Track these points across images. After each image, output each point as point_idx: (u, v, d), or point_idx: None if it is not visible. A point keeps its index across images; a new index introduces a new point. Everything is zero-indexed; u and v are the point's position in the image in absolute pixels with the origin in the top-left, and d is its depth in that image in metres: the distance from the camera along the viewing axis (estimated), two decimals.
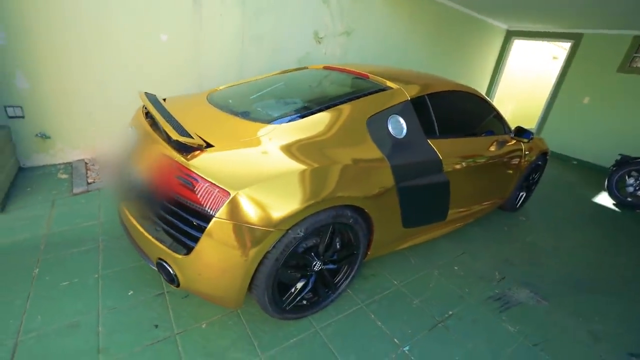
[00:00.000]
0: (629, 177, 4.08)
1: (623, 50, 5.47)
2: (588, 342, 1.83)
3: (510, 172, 2.84)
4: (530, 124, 7.25)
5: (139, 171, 1.55)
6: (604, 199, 4.29)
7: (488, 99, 2.69)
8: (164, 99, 2.02)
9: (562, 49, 8.60)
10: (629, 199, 4.06)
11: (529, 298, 2.12)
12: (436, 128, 2.12)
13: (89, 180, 2.70)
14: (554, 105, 6.43)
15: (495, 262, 2.46)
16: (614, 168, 4.18)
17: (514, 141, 2.73)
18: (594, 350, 1.78)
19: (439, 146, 2.05)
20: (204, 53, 3.43)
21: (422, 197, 1.99)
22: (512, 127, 2.81)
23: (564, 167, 5.80)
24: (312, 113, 1.70)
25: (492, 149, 2.53)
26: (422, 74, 2.56)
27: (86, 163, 3.00)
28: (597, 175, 5.33)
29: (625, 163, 4.10)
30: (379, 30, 4.84)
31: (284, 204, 1.32)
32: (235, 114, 1.77)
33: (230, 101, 2.01)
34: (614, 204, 4.17)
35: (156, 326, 1.56)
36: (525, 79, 8.50)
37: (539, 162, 3.18)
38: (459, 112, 2.50)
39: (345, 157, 1.59)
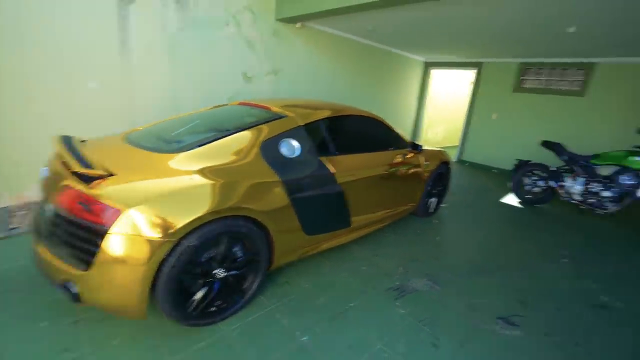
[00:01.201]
0: (526, 177, 4.75)
1: (514, 74, 6.50)
2: (465, 313, 2.16)
3: (413, 181, 3.28)
4: (457, 142, 8.10)
5: (51, 205, 1.72)
6: (511, 199, 4.91)
7: (386, 121, 3.14)
8: (83, 141, 2.21)
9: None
10: (528, 196, 4.71)
11: (425, 286, 2.44)
12: (330, 147, 2.49)
13: (11, 227, 2.73)
14: (471, 123, 7.31)
15: (402, 260, 2.79)
16: (514, 172, 4.86)
17: (410, 154, 3.19)
18: (469, 318, 2.11)
19: (333, 162, 2.41)
20: (138, 97, 3.67)
21: (318, 206, 2.29)
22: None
23: (486, 175, 6.53)
24: (212, 141, 1.99)
25: (390, 161, 2.95)
26: (325, 104, 2.98)
27: (10, 210, 3.00)
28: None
29: (521, 166, 4.78)
30: (305, 68, 5.40)
31: (174, 217, 1.55)
32: (146, 148, 2.01)
33: (144, 138, 2.24)
34: (519, 202, 4.79)
35: (66, 350, 1.65)
36: (452, 102, 9.57)
37: (441, 171, 3.68)
38: (356, 132, 2.92)
39: (236, 174, 1.86)
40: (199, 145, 1.94)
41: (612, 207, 4.04)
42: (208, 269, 1.79)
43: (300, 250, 2.32)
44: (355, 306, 2.13)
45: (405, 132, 8.30)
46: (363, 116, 2.94)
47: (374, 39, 6.14)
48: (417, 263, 2.77)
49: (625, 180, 3.93)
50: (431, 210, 3.77)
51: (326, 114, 2.59)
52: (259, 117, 2.40)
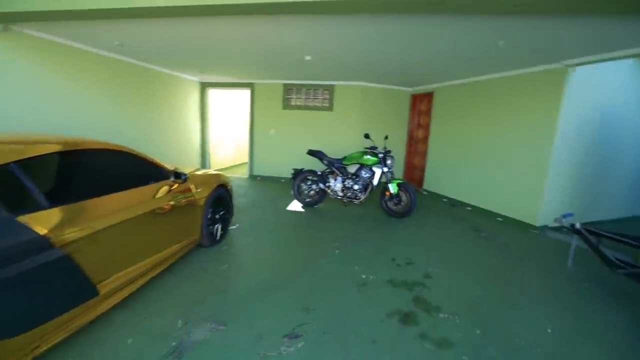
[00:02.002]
0: (303, 184, 5.39)
1: (281, 94, 7.35)
2: (252, 345, 2.02)
3: (186, 212, 2.93)
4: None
5: None
6: (295, 205, 5.45)
7: (137, 152, 2.62)
8: None
9: None
10: (308, 200, 5.37)
11: (208, 331, 2.15)
12: (40, 198, 1.77)
13: None
14: (254, 139, 7.73)
15: (183, 308, 2.39)
16: (293, 180, 5.41)
17: (175, 184, 2.83)
18: (256, 350, 1.97)
19: (47, 219, 1.73)
20: None
21: (21, 292, 1.56)
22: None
23: (276, 186, 7.03)
24: None
25: (146, 198, 2.48)
26: (40, 137, 2.16)
27: None
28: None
29: (297, 174, 5.38)
30: (28, 88, 4.03)
31: None
32: None
33: None
34: (301, 207, 5.37)
35: None
36: (238, 121, 9.85)
37: (219, 195, 3.52)
38: (90, 172, 2.28)
39: None
40: None
41: (362, 196, 5.15)
42: None
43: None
44: None
45: (194, 154, 7.84)
46: (100, 149, 2.31)
47: (140, 58, 5.41)
48: (200, 305, 2.44)
49: (365, 174, 5.09)
50: (218, 237, 3.55)
51: (31, 152, 1.84)
52: None
